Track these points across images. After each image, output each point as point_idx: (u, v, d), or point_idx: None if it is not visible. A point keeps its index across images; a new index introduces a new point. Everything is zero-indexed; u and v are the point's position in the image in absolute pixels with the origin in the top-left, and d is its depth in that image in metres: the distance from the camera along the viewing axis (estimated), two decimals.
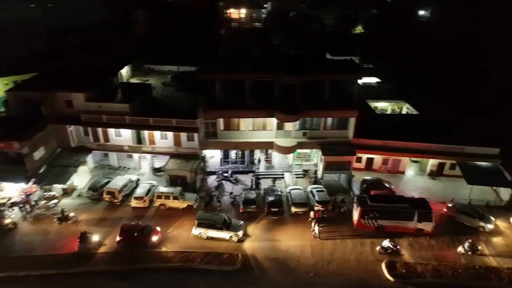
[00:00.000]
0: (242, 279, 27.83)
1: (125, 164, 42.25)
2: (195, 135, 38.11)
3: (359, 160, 40.33)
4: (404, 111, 50.83)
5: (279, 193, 36.21)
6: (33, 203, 35.06)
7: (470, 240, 30.31)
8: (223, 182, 39.53)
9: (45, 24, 72.09)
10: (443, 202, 35.58)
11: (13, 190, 36.05)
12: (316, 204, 34.31)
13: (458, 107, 46.70)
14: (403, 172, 41.22)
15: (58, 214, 33.46)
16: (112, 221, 33.67)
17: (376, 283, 27.71)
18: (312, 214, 33.12)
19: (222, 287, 27.37)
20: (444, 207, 34.67)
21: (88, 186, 37.64)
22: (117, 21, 70.08)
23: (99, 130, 38.97)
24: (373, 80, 57.69)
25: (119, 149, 39.93)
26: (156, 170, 40.97)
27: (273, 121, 38.37)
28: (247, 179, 40.03)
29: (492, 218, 33.07)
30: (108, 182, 37.18)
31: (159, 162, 41.09)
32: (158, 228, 31.82)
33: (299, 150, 39.97)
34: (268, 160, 42.39)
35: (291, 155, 40.98)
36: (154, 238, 30.75)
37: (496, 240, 31.71)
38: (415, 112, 48.03)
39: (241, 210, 34.48)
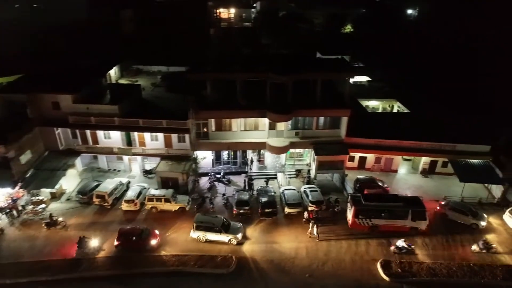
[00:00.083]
0: (236, 282, 27.42)
1: (115, 167, 41.55)
2: (186, 136, 37.63)
3: (352, 159, 40.24)
4: (395, 110, 50.99)
5: (273, 193, 35.91)
6: (20, 208, 34.11)
7: (484, 239, 30.49)
8: (216, 183, 39.08)
9: (31, 25, 70.67)
10: (436, 200, 35.70)
11: None
12: (310, 204, 34.05)
13: (448, 105, 46.93)
14: (395, 171, 41.29)
15: (46, 219, 32.61)
16: (103, 225, 32.97)
17: (372, 282, 27.59)
18: (306, 214, 32.85)
19: None
20: (437, 205, 34.73)
21: (77, 190, 36.86)
22: (104, 21, 68.90)
23: (88, 132, 38.22)
24: (364, 79, 57.85)
25: (108, 151, 39.19)
26: (147, 172, 40.34)
27: (265, 121, 38.04)
28: (239, 180, 39.65)
29: (485, 216, 33.24)
30: (97, 185, 36.41)
31: (150, 164, 40.53)
32: (157, 232, 31.24)
33: (291, 150, 39.71)
34: (260, 160, 42.07)
35: (283, 155, 40.70)
36: (153, 242, 30.18)
37: (490, 237, 31.80)
38: (406, 110, 48.19)
39: (234, 212, 34.04)
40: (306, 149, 40.71)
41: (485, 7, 63.66)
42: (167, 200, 34.31)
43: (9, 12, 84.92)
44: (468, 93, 49.15)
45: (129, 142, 38.97)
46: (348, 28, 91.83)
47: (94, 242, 30.10)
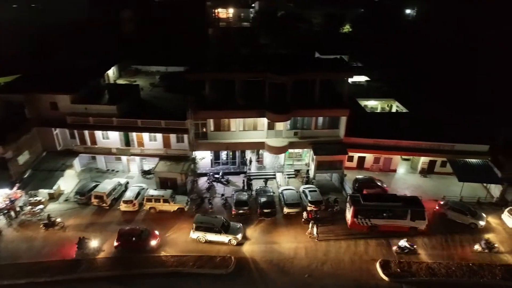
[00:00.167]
0: (235, 283, 27.34)
1: (114, 167, 41.41)
2: (185, 136, 37.57)
3: (350, 159, 40.20)
4: (393, 109, 50.98)
5: (271, 194, 35.84)
6: (18, 209, 33.94)
7: (487, 238, 30.49)
8: (214, 183, 38.97)
9: (29, 25, 70.50)
10: (435, 199, 35.67)
11: None
12: (309, 204, 33.99)
13: (447, 105, 46.93)
14: (394, 170, 41.25)
15: (44, 220, 32.45)
16: (102, 226, 32.84)
17: (371, 282, 27.54)
18: (305, 214, 32.80)
19: None
20: (436, 205, 34.71)
21: (75, 190, 36.68)
22: (103, 21, 68.78)
23: (86, 132, 38.10)
24: (363, 78, 57.81)
25: (107, 151, 39.06)
26: (145, 173, 40.21)
27: (264, 121, 37.97)
28: (238, 180, 39.54)
29: (484, 215, 33.23)
30: (96, 186, 36.27)
31: (149, 164, 40.39)
32: (157, 232, 31.12)
33: (290, 150, 39.64)
34: (259, 160, 41.99)
35: (282, 155, 40.62)
36: (153, 242, 30.07)
37: (489, 237, 31.77)
38: (404, 110, 48.18)
39: (233, 212, 33.96)
40: (305, 149, 40.65)
41: (483, 7, 63.76)
42: (165, 201, 34.19)
43: (7, 12, 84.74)
44: (467, 93, 49.15)
45: (127, 142, 38.85)
46: (347, 28, 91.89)
47: (93, 243, 30.01)
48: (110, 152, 38.95)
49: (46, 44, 58.97)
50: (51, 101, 36.97)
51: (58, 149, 38.94)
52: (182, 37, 65.66)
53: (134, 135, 38.34)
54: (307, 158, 41.58)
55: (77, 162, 40.08)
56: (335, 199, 35.22)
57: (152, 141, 38.49)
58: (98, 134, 38.34)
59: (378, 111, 51.53)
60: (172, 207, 34.37)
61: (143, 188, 36.52)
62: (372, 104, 51.69)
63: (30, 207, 33.89)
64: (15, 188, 34.63)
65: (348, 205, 32.80)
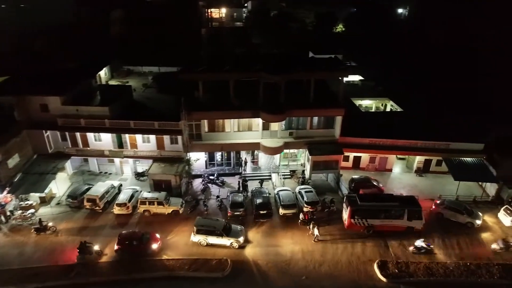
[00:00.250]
0: (231, 286, 26.92)
1: (106, 169, 40.76)
2: (179, 137, 37.08)
3: (346, 159, 39.99)
4: (388, 109, 50.95)
5: (267, 195, 35.49)
6: (8, 213, 33.16)
7: (504, 237, 30.42)
8: (209, 185, 38.54)
9: (17, 25, 69.35)
10: (431, 199, 35.60)
11: None
12: (305, 205, 33.68)
13: (441, 104, 47.04)
14: (390, 170, 41.17)
15: (35, 224, 31.72)
16: (95, 229, 32.24)
17: (369, 283, 27.36)
18: (301, 216, 32.50)
19: None
20: (433, 204, 34.62)
21: (67, 194, 35.98)
22: (93, 21, 67.90)
23: (78, 134, 37.44)
24: (357, 78, 57.73)
25: (99, 154, 38.38)
26: (139, 175, 39.62)
27: (258, 122, 37.62)
28: (233, 181, 39.14)
29: (480, 214, 33.20)
30: (88, 189, 35.64)
31: (142, 166, 39.81)
32: (158, 235, 30.61)
33: (285, 150, 39.32)
34: (254, 161, 41.61)
35: (277, 156, 40.29)
36: (154, 246, 29.55)
37: (485, 235, 31.81)
38: (399, 109, 48.16)
39: (229, 214, 33.55)
40: (300, 149, 40.33)
41: (476, 6, 64.00)
42: (160, 203, 33.67)
43: None
44: (461, 91, 49.22)
45: (120, 144, 38.25)
46: (340, 28, 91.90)
47: (95, 247, 29.50)
48: (102, 154, 38.27)
49: (36, 45, 57.97)
50: (42, 103, 36.28)
51: (49, 151, 38.20)
52: (175, 37, 65.10)
53: (127, 137, 37.76)
54: (302, 158, 41.29)
55: (69, 165, 39.40)
56: (332, 200, 34.97)
57: (145, 142, 37.97)
58: (90, 136, 37.70)
59: (373, 110, 51.44)
60: (166, 209, 33.86)
61: (137, 191, 36.00)
62: (366, 103, 51.59)
63: (20, 211, 33.19)
64: (5, 192, 33.89)
65: (344, 205, 32.56)
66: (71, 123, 36.27)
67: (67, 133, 37.42)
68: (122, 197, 34.65)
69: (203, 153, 39.85)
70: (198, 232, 30.05)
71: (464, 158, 37.46)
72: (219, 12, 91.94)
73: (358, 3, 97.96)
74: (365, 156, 40.59)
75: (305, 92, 37.72)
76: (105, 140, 37.86)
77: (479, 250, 30.26)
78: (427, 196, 36.16)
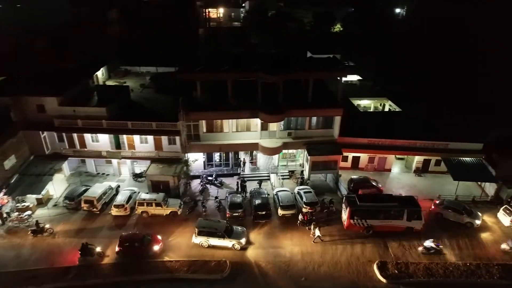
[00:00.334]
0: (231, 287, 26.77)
1: (104, 171, 40.47)
2: (177, 138, 36.85)
3: (345, 159, 39.86)
4: (386, 108, 50.86)
5: (266, 195, 35.26)
6: (4, 215, 32.81)
7: None
8: (208, 186, 38.34)
9: (14, 25, 68.95)
10: (430, 199, 35.52)
11: None
12: (304, 206, 33.51)
13: (439, 103, 46.94)
14: (389, 170, 41.07)
15: (32, 226, 31.44)
16: (93, 231, 31.97)
17: (368, 285, 27.22)
18: (300, 217, 32.34)
19: None
20: (432, 204, 34.52)
21: (64, 195, 35.67)
22: (90, 21, 67.55)
23: (75, 135, 37.16)
24: (355, 77, 57.63)
25: (96, 155, 38.12)
26: (137, 176, 39.37)
27: (257, 122, 37.45)
28: (232, 182, 38.94)
29: (479, 214, 33.12)
30: (86, 190, 35.34)
31: (140, 167, 39.55)
32: (159, 237, 30.39)
33: (284, 151, 39.15)
34: (253, 162, 41.41)
35: (276, 156, 40.10)
36: (156, 248, 29.32)
37: (484, 235, 31.73)
38: (397, 109, 48.07)
39: (227, 215, 33.35)
40: (299, 150, 40.18)
41: (476, 6, 63.96)
42: (158, 204, 33.42)
43: None
44: (460, 91, 49.19)
45: (118, 145, 37.98)
46: (338, 27, 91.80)
47: (97, 249, 29.29)
48: (100, 155, 38.00)
49: (33, 45, 57.58)
50: (38, 104, 36.01)
51: (46, 153, 37.91)
52: (172, 37, 64.84)
53: (124, 138, 37.48)
54: (301, 158, 41.13)
55: (66, 166, 39.08)
56: (331, 200, 34.83)
57: (143, 143, 37.71)
58: (88, 137, 37.42)
59: (371, 110, 51.34)
60: (164, 210, 33.62)
61: (135, 192, 35.73)
62: (365, 103, 51.49)
63: (17, 213, 32.84)
64: (1, 194, 33.52)
65: (344, 206, 32.41)
66: (68, 124, 35.99)
67: (64, 134, 37.15)
68: (120, 198, 34.37)
69: (202, 153, 39.62)
70: (200, 233, 29.81)
71: (463, 158, 37.38)
72: (216, 12, 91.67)
73: (356, 3, 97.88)
74: (364, 156, 40.48)
75: (303, 92, 37.57)
76: (103, 141, 37.58)
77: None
78: (426, 196, 36.08)
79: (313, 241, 30.65)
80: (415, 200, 32.23)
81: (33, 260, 28.84)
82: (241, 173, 39.74)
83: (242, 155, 40.90)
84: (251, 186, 37.70)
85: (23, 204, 33.82)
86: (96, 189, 35.09)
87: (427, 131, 38.84)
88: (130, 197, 34.58)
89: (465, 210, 32.93)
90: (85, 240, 30.13)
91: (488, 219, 33.67)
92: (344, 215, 32.02)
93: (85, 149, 37.88)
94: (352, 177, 38.18)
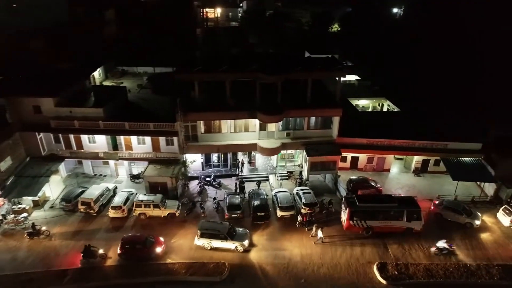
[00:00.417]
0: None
1: (101, 172, 40.13)
2: (175, 139, 36.56)
3: (344, 159, 39.68)
4: (385, 108, 50.73)
5: (265, 196, 35.00)
6: (0, 217, 32.46)
7: None
8: (206, 187, 38.08)
9: (9, 26, 68.24)
10: (430, 199, 35.38)
11: None
12: (303, 207, 33.29)
13: (437, 103, 46.87)
14: (388, 170, 40.92)
15: (28, 228, 31.10)
16: (90, 233, 31.65)
17: (368, 286, 27.05)
18: (299, 218, 32.12)
19: None
20: (431, 205, 34.38)
21: (61, 197, 35.38)
22: (87, 21, 67.08)
23: (71, 136, 36.87)
24: (353, 77, 57.48)
25: (93, 156, 37.79)
26: (134, 177, 39.03)
27: (255, 122, 37.24)
28: (230, 183, 38.66)
29: (479, 214, 32.99)
30: (83, 192, 35.03)
31: (137, 168, 39.22)
32: (162, 239, 30.11)
33: (283, 151, 38.93)
34: (251, 162, 41.15)
35: (275, 157, 39.88)
36: (158, 250, 29.06)
37: (484, 236, 31.61)
38: (396, 109, 47.96)
39: (226, 216, 33.10)
40: (298, 150, 39.98)
41: (476, 6, 63.93)
42: (156, 206, 33.13)
43: None
44: (460, 91, 49.16)
45: (115, 146, 37.68)
46: (335, 27, 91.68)
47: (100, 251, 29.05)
48: (97, 156, 37.67)
49: (28, 45, 57.10)
50: (34, 105, 35.64)
51: (42, 154, 37.58)
52: (170, 37, 64.48)
53: (121, 139, 37.18)
54: (299, 159, 40.92)
55: (62, 167, 38.73)
56: (330, 201, 34.65)
57: (140, 144, 37.42)
58: (84, 138, 37.12)
59: (369, 110, 51.21)
60: (162, 212, 33.35)
61: (132, 193, 35.42)
62: (363, 103, 51.38)
63: (13, 215, 32.47)
64: None
65: (343, 207, 32.23)
66: (64, 125, 35.64)
67: (60, 135, 36.89)
68: (117, 200, 34.05)
69: (200, 154, 39.35)
70: (202, 235, 29.53)
71: (462, 158, 37.28)
72: (214, 12, 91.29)
73: (353, 3, 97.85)
74: (363, 157, 40.32)
75: (302, 92, 37.35)
76: (100, 142, 37.28)
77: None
78: (426, 197, 35.95)
79: (314, 242, 30.45)
80: (414, 200, 32.08)
81: (30, 263, 28.52)
82: (240, 174, 39.48)
83: (240, 156, 40.63)
84: (249, 187, 37.44)
85: (19, 206, 33.47)
86: (93, 191, 34.74)
87: (425, 130, 38.67)
88: (127, 199, 34.29)
89: (464, 210, 32.82)
90: (82, 242, 29.95)
91: (487, 219, 33.56)
92: (344, 216, 31.84)
93: (82, 150, 37.56)
94: (351, 177, 38.02)
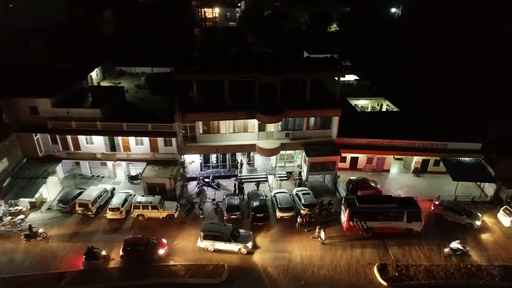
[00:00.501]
0: None
1: (99, 173, 39.85)
2: (173, 139, 36.29)
3: (343, 159, 39.48)
4: (384, 108, 50.57)
5: (264, 197, 34.77)
6: None
7: None
8: (205, 188, 37.81)
9: (6, 26, 67.84)
10: (430, 200, 35.21)
11: None
12: (303, 208, 33.07)
13: (438, 103, 46.68)
14: (387, 171, 40.74)
15: (25, 230, 30.76)
16: (87, 235, 31.32)
17: (369, 287, 26.78)
18: (299, 219, 31.89)
19: None
20: (431, 205, 34.21)
21: (58, 199, 35.06)
22: (85, 21, 66.76)
23: (69, 137, 36.57)
24: (352, 77, 57.32)
25: (91, 157, 37.50)
26: (132, 178, 38.75)
27: (254, 123, 37.00)
28: (229, 184, 38.41)
29: (479, 215, 32.85)
30: (80, 193, 34.74)
31: (136, 169, 38.99)
32: (164, 240, 29.85)
33: (282, 152, 38.71)
34: (250, 163, 40.91)
35: (274, 157, 39.65)
36: (161, 251, 28.78)
37: (485, 236, 31.46)
38: (395, 109, 47.80)
39: (225, 217, 32.85)
40: (297, 151, 39.77)
41: (476, 5, 63.85)
42: (154, 207, 32.84)
43: None
44: (459, 91, 49.00)
45: (113, 147, 37.37)
46: (334, 27, 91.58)
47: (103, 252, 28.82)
48: (94, 157, 37.38)
49: (25, 45, 56.70)
50: (31, 105, 35.30)
51: (39, 155, 37.24)
52: (168, 37, 64.21)
53: (119, 139, 36.87)
54: (299, 159, 40.71)
55: (60, 169, 38.37)
56: (329, 202, 34.46)
57: (138, 145, 37.12)
58: (82, 139, 36.82)
59: (369, 110, 51.05)
60: (161, 213, 33.07)
61: (130, 195, 35.13)
62: (362, 103, 51.22)
63: (10, 217, 32.16)
64: None
65: (343, 207, 32.03)
66: (61, 125, 35.33)
67: (57, 136, 36.55)
68: (115, 201, 33.75)
69: (198, 155, 39.09)
70: (206, 237, 29.25)
71: (462, 158, 37.13)
72: (212, 12, 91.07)
73: (352, 2, 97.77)
74: (362, 157, 40.13)
75: (301, 92, 37.14)
76: (97, 143, 36.98)
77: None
78: (426, 197, 35.79)
79: (322, 243, 30.28)
80: (414, 201, 31.91)
81: (27, 266, 28.20)
82: (239, 175, 39.22)
83: (239, 157, 40.41)
84: (248, 187, 37.23)
85: (16, 208, 33.13)
86: (91, 192, 34.42)
87: (425, 131, 38.49)
88: (125, 200, 34.00)
89: (464, 211, 32.67)
90: (80, 244, 29.83)
91: (488, 219, 33.42)
92: (343, 216, 31.63)
93: (80, 151, 37.26)
94: (351, 178, 37.84)
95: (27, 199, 33.79)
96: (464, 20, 62.72)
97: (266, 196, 35.31)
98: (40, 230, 30.99)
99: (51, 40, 57.88)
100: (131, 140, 36.84)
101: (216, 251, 29.32)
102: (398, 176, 40.23)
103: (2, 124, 34.52)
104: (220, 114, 36.21)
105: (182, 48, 59.69)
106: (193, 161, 38.83)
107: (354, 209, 30.69)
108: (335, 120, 37.28)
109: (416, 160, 39.81)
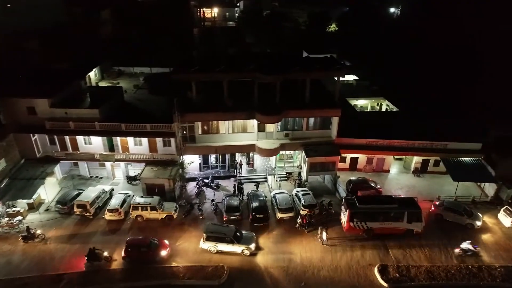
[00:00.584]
0: None
1: (97, 174, 39.63)
2: (172, 140, 36.10)
3: (343, 160, 39.31)
4: (383, 108, 50.43)
5: (263, 198, 34.58)
6: None
7: None
8: (204, 188, 37.60)
9: (4, 26, 67.58)
10: (430, 200, 35.07)
11: None
12: (303, 208, 32.89)
13: (438, 103, 46.57)
14: (387, 171, 40.60)
15: (23, 232, 30.52)
16: (86, 236, 31.10)
17: None
18: (299, 220, 31.72)
19: None
20: (432, 205, 34.08)
21: (56, 200, 34.82)
22: (83, 21, 66.50)
23: (67, 138, 36.33)
24: (351, 77, 57.16)
25: (89, 157, 37.26)
26: (131, 179, 38.53)
27: (253, 123, 36.82)
28: (229, 184, 38.22)
29: (480, 215, 32.73)
30: (78, 194, 34.54)
31: (134, 170, 38.80)
32: (167, 242, 29.65)
33: (281, 152, 38.53)
34: (250, 163, 40.72)
35: (273, 158, 39.47)
36: (163, 253, 28.60)
37: (485, 237, 31.34)
38: (395, 109, 47.66)
39: (224, 218, 32.66)
40: (297, 151, 39.59)
41: (475, 5, 63.77)
42: (153, 208, 32.63)
43: None
44: (459, 91, 48.90)
45: (111, 147, 37.15)
46: (333, 27, 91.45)
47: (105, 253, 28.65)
48: (93, 158, 37.14)
49: (23, 45, 56.40)
50: (29, 106, 35.07)
51: (37, 156, 37.03)
52: (167, 37, 63.98)
53: (118, 140, 36.69)
54: (298, 160, 40.53)
55: (58, 169, 38.16)
56: (329, 202, 34.30)
57: (137, 145, 36.93)
58: (80, 139, 36.60)
59: (368, 110, 50.90)
60: (160, 214, 32.86)
61: (129, 195, 34.96)
62: (361, 103, 51.05)
63: (7, 218, 31.96)
64: None
65: (343, 208, 31.87)
66: (59, 126, 35.12)
67: (55, 137, 36.33)
68: (114, 202, 33.52)
69: (197, 155, 38.89)
70: (208, 239, 29.05)
71: (462, 158, 37.00)
72: (211, 12, 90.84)
73: (351, 2, 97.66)
74: (362, 157, 39.98)
75: (300, 92, 36.97)
76: (96, 144, 36.78)
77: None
78: (426, 197, 35.66)
79: (326, 244, 30.13)
80: (415, 201, 31.78)
81: (24, 267, 28.00)
82: (238, 175, 39.02)
83: (238, 157, 40.24)
84: (248, 188, 37.04)
85: (13, 209, 32.95)
86: (89, 193, 34.23)
87: (425, 130, 38.36)
88: (124, 201, 33.78)
89: (465, 211, 32.55)
90: (78, 245, 29.70)
91: (488, 220, 33.31)
92: (344, 217, 31.47)
93: (78, 152, 37.03)
94: (351, 178, 37.69)
95: (25, 200, 33.61)
96: (464, 20, 62.62)
97: (266, 197, 35.13)
98: (38, 232, 30.78)
99: (49, 40, 57.58)
100: (130, 140, 36.64)
101: (219, 252, 29.11)
102: (398, 176, 40.09)
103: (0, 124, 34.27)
104: (219, 114, 36.03)
105: (181, 48, 59.47)
106: (192, 162, 38.63)
107: (354, 210, 30.53)
108: (335, 120, 37.12)
109: (416, 160, 39.68)
